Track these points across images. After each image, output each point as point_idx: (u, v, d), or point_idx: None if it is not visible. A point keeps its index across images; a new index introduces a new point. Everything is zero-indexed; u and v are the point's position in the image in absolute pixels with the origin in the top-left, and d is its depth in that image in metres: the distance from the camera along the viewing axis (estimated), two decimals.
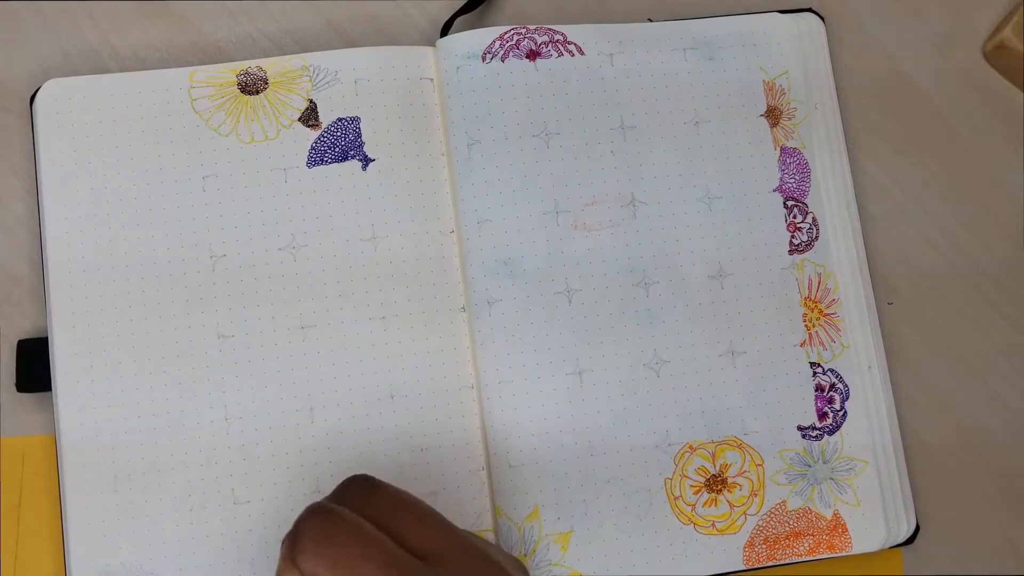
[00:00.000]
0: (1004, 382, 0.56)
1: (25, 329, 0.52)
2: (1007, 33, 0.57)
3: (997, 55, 0.58)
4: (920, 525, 0.53)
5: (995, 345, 0.56)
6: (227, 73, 0.53)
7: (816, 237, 0.54)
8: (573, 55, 0.54)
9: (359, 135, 0.53)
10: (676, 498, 0.51)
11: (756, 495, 0.52)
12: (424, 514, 0.38)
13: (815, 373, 0.53)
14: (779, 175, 0.55)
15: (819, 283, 0.54)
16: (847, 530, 0.52)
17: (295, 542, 0.36)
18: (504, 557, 0.39)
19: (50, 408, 0.50)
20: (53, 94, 0.52)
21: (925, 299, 0.56)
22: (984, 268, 0.57)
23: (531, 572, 0.50)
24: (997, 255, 0.57)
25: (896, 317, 0.56)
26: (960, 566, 0.54)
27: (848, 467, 0.52)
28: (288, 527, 0.48)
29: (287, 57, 0.54)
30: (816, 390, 0.53)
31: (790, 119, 0.55)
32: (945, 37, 0.59)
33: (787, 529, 0.52)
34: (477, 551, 0.38)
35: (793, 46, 0.56)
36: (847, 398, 0.53)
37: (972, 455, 0.55)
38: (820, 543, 0.52)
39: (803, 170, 0.55)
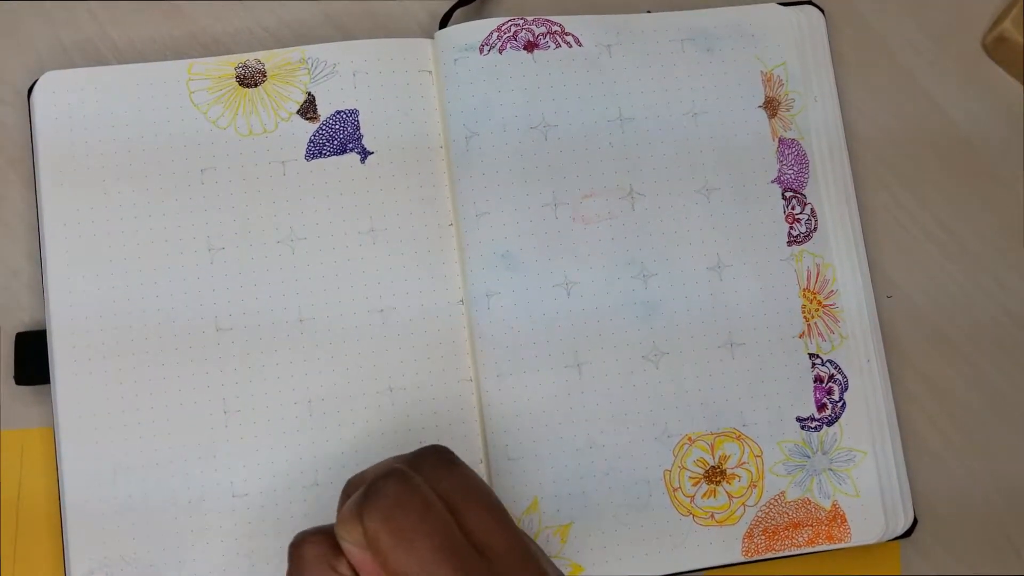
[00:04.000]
0: (1003, 377, 0.56)
1: (23, 322, 0.52)
2: (1007, 26, 0.57)
3: (997, 48, 0.58)
4: (917, 518, 0.53)
5: (995, 340, 0.56)
6: (225, 66, 0.53)
7: (815, 228, 0.54)
8: (571, 46, 0.54)
9: (358, 128, 0.53)
10: (675, 490, 0.51)
11: (755, 486, 0.52)
12: (492, 507, 0.38)
13: (814, 364, 0.53)
14: (777, 166, 0.55)
15: (818, 274, 0.54)
16: (846, 520, 0.52)
17: (368, 498, 0.37)
18: (554, 571, 0.39)
19: (48, 401, 0.50)
20: (51, 87, 0.52)
21: (923, 292, 0.56)
22: (983, 261, 0.57)
23: None
24: (996, 248, 0.57)
25: (894, 310, 0.56)
26: (958, 561, 0.54)
27: (847, 458, 0.52)
28: (285, 521, 0.49)
29: (285, 50, 0.54)
30: (815, 381, 0.53)
31: (788, 110, 0.55)
32: (945, 30, 0.59)
33: (786, 520, 0.52)
34: (532, 558, 0.38)
35: (790, 37, 0.56)
36: (846, 389, 0.53)
37: (970, 449, 0.55)
38: (819, 534, 0.52)
39: (802, 161, 0.55)
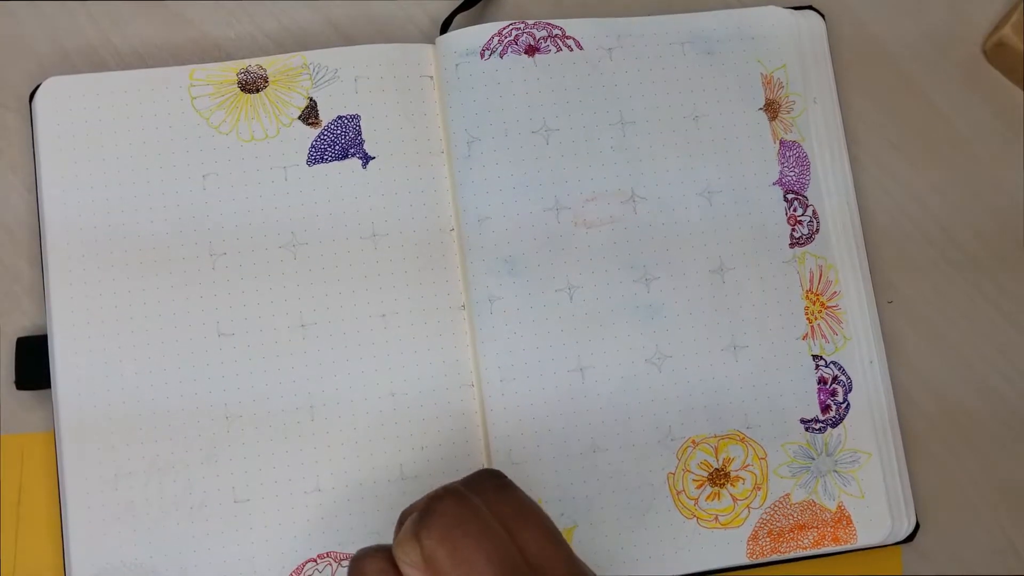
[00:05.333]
0: (1003, 380, 0.56)
1: (24, 327, 0.52)
2: (1007, 31, 0.57)
3: (997, 53, 0.58)
4: (919, 523, 0.53)
5: (994, 343, 0.56)
6: (227, 71, 0.53)
7: (817, 230, 0.54)
8: (572, 50, 0.54)
9: (359, 133, 0.53)
10: (679, 493, 0.51)
11: (759, 488, 0.52)
12: (548, 530, 0.38)
13: (817, 366, 0.53)
14: (779, 168, 0.55)
15: (820, 276, 0.54)
16: (852, 522, 0.52)
17: (426, 518, 0.36)
18: None
19: (49, 406, 0.50)
20: (53, 92, 0.52)
21: (924, 296, 0.56)
22: (983, 266, 0.57)
23: None
24: (996, 253, 0.57)
25: (896, 314, 0.56)
26: (959, 564, 0.54)
27: (852, 459, 0.52)
28: (287, 526, 0.49)
29: (287, 55, 0.54)
30: (819, 383, 0.53)
31: (788, 112, 0.55)
32: (945, 35, 0.59)
33: (791, 522, 0.51)
34: None
35: (790, 40, 0.56)
36: (850, 390, 0.53)
37: (971, 453, 0.55)
38: (825, 535, 0.51)
39: (803, 163, 0.55)
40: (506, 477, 0.40)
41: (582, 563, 0.38)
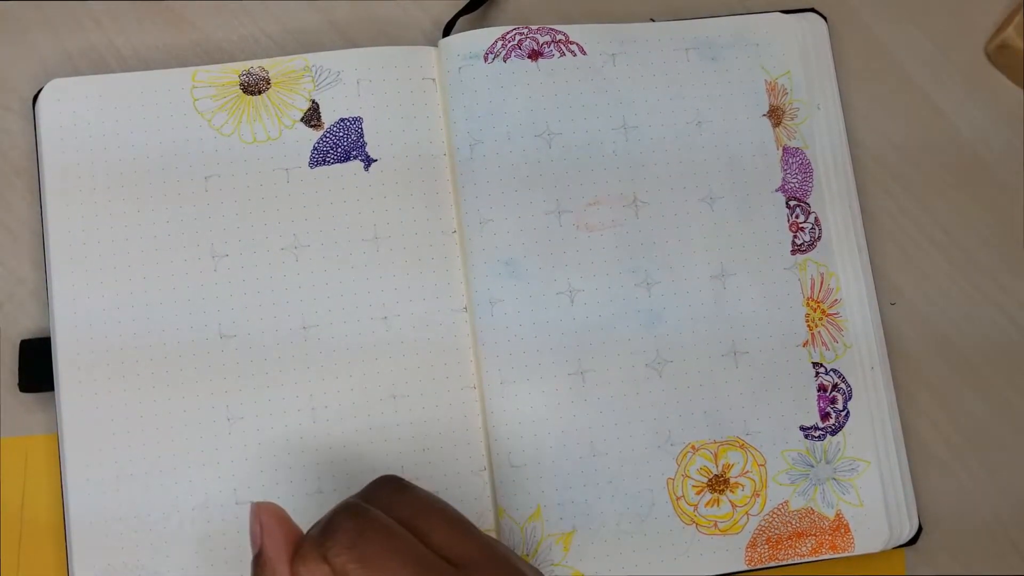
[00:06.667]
0: (1006, 382, 0.56)
1: (28, 329, 0.52)
2: (1010, 33, 0.57)
3: (999, 55, 0.58)
4: (922, 526, 0.53)
5: (997, 345, 0.56)
6: (229, 73, 0.53)
7: (819, 237, 0.54)
8: (575, 55, 0.54)
9: (361, 135, 0.53)
10: (678, 498, 0.51)
11: (758, 495, 0.52)
12: (452, 519, 0.38)
13: (817, 373, 0.53)
14: (781, 175, 0.55)
15: (822, 283, 0.54)
16: (850, 530, 0.52)
17: (326, 537, 0.36)
18: (528, 568, 0.39)
19: (52, 408, 0.51)
20: (56, 94, 0.52)
21: (927, 299, 0.56)
22: (986, 268, 0.57)
23: None
24: (999, 254, 0.57)
25: (899, 317, 0.56)
26: (963, 567, 0.54)
27: (851, 467, 0.52)
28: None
29: (289, 57, 0.54)
30: (819, 390, 0.53)
31: (792, 119, 0.55)
32: (947, 37, 0.59)
33: (789, 529, 0.52)
34: (504, 560, 0.38)
35: (795, 46, 0.56)
36: (849, 398, 0.53)
37: (975, 456, 0.55)
38: (823, 543, 0.52)
39: (805, 170, 0.55)
40: (401, 479, 0.40)
41: (496, 542, 0.38)
